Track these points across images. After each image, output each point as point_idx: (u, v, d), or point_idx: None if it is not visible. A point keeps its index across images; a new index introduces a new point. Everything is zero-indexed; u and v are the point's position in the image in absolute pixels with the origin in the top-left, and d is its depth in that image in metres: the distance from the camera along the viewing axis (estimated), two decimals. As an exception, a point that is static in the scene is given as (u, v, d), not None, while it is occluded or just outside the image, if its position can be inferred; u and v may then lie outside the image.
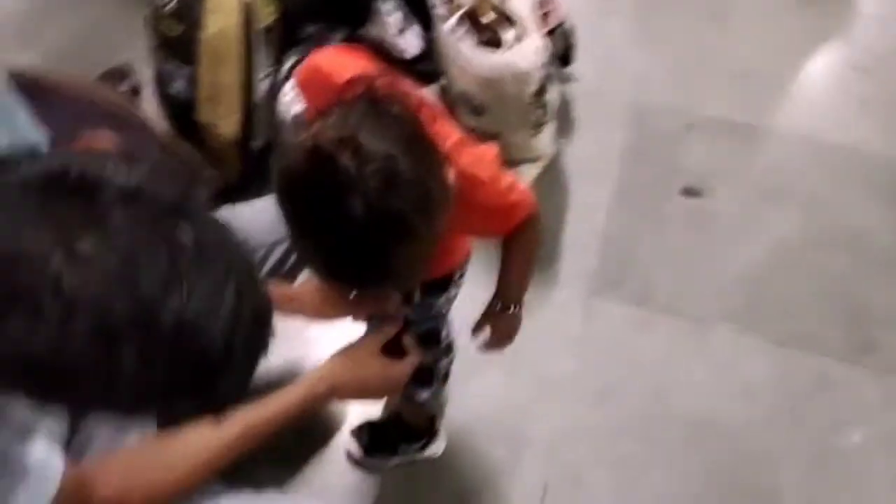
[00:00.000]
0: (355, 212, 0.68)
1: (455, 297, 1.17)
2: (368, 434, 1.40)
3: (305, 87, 0.99)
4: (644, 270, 1.69)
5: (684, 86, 2.08)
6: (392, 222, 0.70)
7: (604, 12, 2.28)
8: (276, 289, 1.11)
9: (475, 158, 0.90)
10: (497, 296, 1.07)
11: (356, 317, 1.12)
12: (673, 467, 1.41)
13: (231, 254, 0.57)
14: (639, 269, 1.69)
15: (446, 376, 1.25)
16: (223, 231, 0.58)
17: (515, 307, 1.08)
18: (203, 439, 0.94)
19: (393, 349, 1.07)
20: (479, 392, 1.50)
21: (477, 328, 1.13)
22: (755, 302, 1.64)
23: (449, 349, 1.20)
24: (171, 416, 0.64)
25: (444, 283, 1.12)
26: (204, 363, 0.56)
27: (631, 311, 1.62)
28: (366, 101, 0.75)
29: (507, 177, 0.95)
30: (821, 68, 2.18)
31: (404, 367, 1.05)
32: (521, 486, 1.38)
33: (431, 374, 1.20)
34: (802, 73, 2.16)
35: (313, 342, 1.41)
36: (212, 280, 0.54)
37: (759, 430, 1.45)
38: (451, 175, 0.80)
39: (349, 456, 1.40)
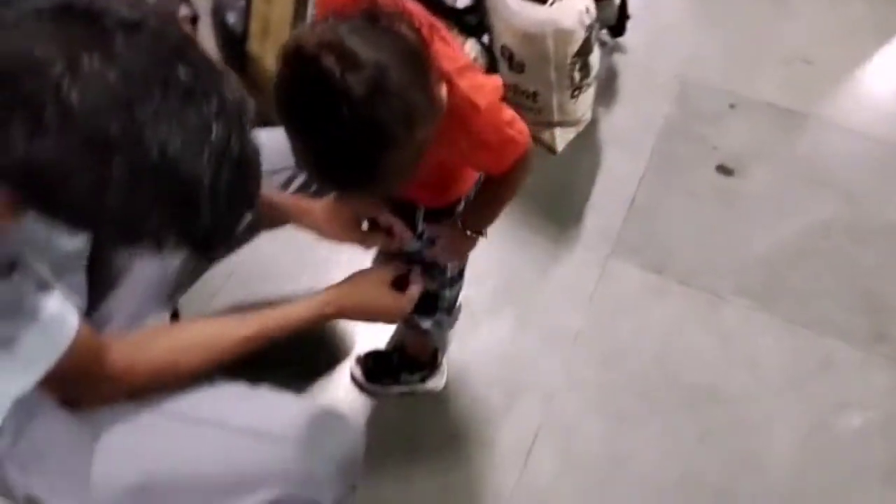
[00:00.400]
0: (339, 117, 0.71)
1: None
2: (373, 361, 1.45)
3: (320, 6, 1.00)
4: (666, 240, 1.70)
5: (734, 66, 2.06)
6: (375, 131, 0.73)
7: (662, -13, 2.28)
8: (293, 199, 1.17)
9: (476, 85, 0.91)
10: (464, 214, 1.08)
11: (365, 243, 1.16)
12: (667, 426, 1.43)
13: (224, 98, 0.61)
14: (661, 239, 1.70)
15: (451, 308, 1.28)
16: (220, 77, 0.62)
17: (474, 233, 1.09)
18: (216, 332, 1.00)
19: (399, 277, 1.13)
20: (486, 338, 1.54)
21: (431, 232, 1.14)
22: (774, 282, 1.63)
23: (454, 280, 1.23)
24: (159, 252, 0.68)
25: (450, 212, 1.14)
26: (186, 193, 0.60)
27: (647, 276, 1.63)
28: (364, 15, 0.77)
29: (507, 111, 0.96)
30: (880, 61, 2.12)
31: (408, 298, 1.11)
32: (512, 429, 1.42)
33: (435, 303, 1.23)
34: (860, 64, 2.12)
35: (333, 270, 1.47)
36: (202, 117, 0.59)
37: (758, 400, 1.46)
38: (442, 92, 0.82)
39: (353, 379, 1.46)
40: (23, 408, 0.92)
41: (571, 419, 1.43)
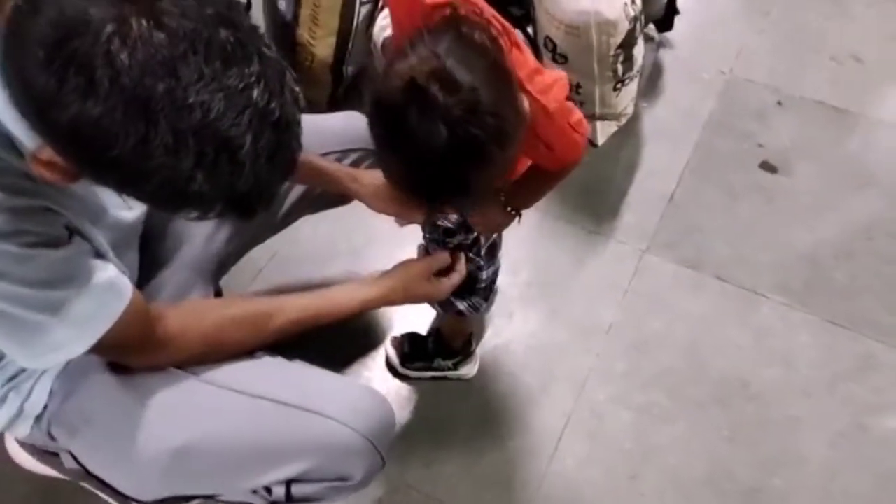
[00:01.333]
0: (439, 138, 0.77)
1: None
2: (409, 343, 1.48)
3: (394, 8, 1.04)
4: (704, 236, 1.69)
5: (782, 63, 2.04)
6: (471, 148, 0.78)
7: (713, -17, 2.26)
8: (341, 167, 1.20)
9: (544, 87, 0.93)
10: (507, 193, 1.10)
11: (407, 218, 1.19)
12: (696, 421, 1.43)
13: (266, 61, 0.64)
14: (699, 234, 1.69)
15: (487, 291, 1.29)
16: (263, 42, 0.65)
17: (514, 211, 1.12)
18: (266, 311, 1.03)
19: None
20: (519, 327, 1.55)
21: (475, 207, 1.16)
22: (814, 281, 1.62)
23: (489, 261, 1.24)
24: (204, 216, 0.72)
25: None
26: (228, 155, 0.64)
27: (682, 271, 1.63)
28: (452, 28, 0.81)
29: (575, 112, 0.99)
30: (934, 62, 2.08)
31: (450, 283, 1.16)
32: (544, 416, 1.43)
33: (473, 285, 1.26)
34: (914, 64, 2.07)
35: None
36: (243, 79, 0.62)
37: (791, 398, 1.45)
38: (525, 104, 0.86)
39: (388, 362, 1.49)
40: (72, 372, 0.98)
41: (602, 409, 1.44)
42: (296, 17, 1.78)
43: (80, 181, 0.72)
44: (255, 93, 0.63)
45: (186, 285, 1.13)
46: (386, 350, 1.49)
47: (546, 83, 0.94)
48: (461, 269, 1.17)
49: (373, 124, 0.83)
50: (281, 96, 0.65)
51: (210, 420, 0.96)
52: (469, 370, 1.48)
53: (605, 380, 1.48)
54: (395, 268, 1.15)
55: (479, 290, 1.27)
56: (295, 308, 1.04)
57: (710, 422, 1.43)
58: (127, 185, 0.67)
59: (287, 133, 0.67)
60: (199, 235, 1.16)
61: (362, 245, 1.65)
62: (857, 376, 1.48)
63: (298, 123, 0.69)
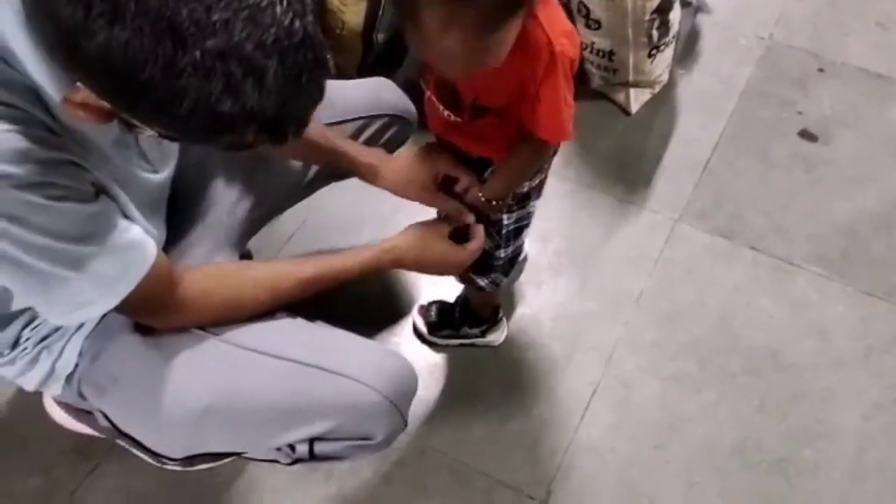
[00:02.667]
0: None
1: (526, 194, 1.17)
2: (436, 312, 1.48)
3: None
4: (738, 206, 1.66)
5: (825, 29, 1.98)
6: None
7: (754, -53, 2.19)
8: (364, 151, 1.20)
9: (565, 29, 0.92)
10: (485, 181, 1.11)
11: (434, 204, 1.18)
12: (726, 391, 1.41)
13: None
14: (733, 204, 1.66)
15: (507, 267, 1.28)
16: None
17: (497, 203, 1.12)
18: (280, 272, 1.05)
19: (459, 231, 1.16)
20: (549, 295, 1.55)
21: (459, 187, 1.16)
22: (852, 252, 1.58)
23: (509, 239, 1.22)
24: (237, 146, 0.73)
25: None
26: (255, 77, 0.64)
27: (716, 241, 1.60)
28: None
29: (570, 92, 0.96)
30: None
31: (466, 253, 1.15)
32: (571, 384, 1.43)
33: (490, 262, 1.24)
34: (963, 28, 1.99)
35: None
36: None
37: (825, 370, 1.42)
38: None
39: (415, 329, 1.49)
40: (101, 332, 1.00)
41: (631, 378, 1.43)
42: (326, -17, 1.77)
43: (114, 120, 0.73)
44: (279, 10, 0.64)
45: (212, 249, 1.14)
46: (413, 318, 1.50)
47: (564, 30, 0.92)
48: (479, 237, 1.16)
49: None
50: (304, 17, 0.66)
51: (235, 380, 0.97)
52: (497, 337, 1.48)
53: (633, 349, 1.47)
54: (410, 226, 1.15)
55: (496, 266, 1.26)
56: (311, 267, 1.05)
57: (740, 392, 1.41)
58: (159, 113, 0.67)
59: (313, 52, 0.67)
60: (224, 201, 1.17)
61: (390, 213, 1.64)
62: (893, 348, 1.44)
63: (324, 45, 0.69)
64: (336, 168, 1.22)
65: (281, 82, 0.66)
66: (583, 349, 1.47)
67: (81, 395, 1.04)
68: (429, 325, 1.48)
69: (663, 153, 1.76)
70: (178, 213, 1.11)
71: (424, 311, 1.49)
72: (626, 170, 1.73)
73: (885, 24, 1.97)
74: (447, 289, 1.53)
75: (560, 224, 1.63)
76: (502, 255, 1.24)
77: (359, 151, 1.19)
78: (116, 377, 1.00)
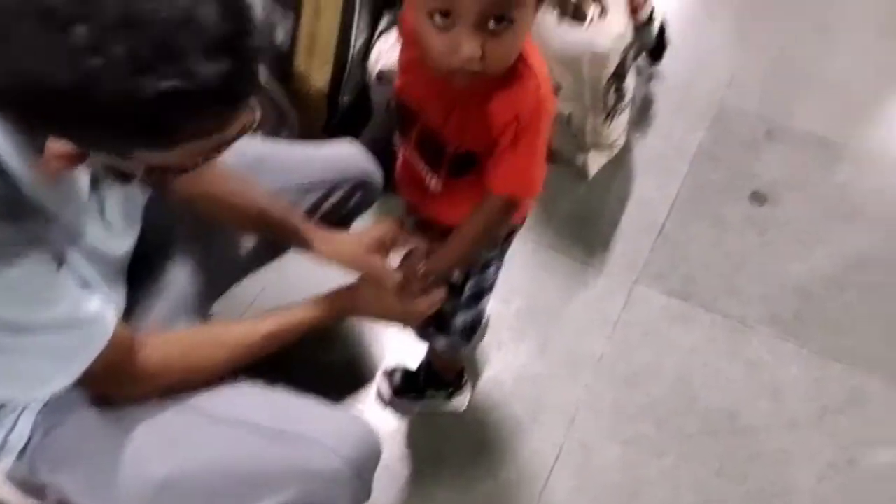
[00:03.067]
0: None
1: (486, 262, 1.17)
2: (400, 376, 1.48)
3: (407, 35, 1.01)
4: (694, 267, 1.70)
5: (773, 94, 2.06)
6: None
7: (704, 15, 2.29)
8: (319, 231, 1.20)
9: (549, 82, 0.93)
10: (428, 261, 1.09)
11: (384, 277, 1.15)
12: (686, 455, 1.43)
13: None
14: (689, 265, 1.70)
15: (467, 332, 1.26)
16: None
17: (431, 279, 1.10)
18: (243, 328, 1.05)
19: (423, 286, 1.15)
20: (511, 358, 1.56)
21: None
22: (804, 313, 1.62)
23: (469, 304, 1.22)
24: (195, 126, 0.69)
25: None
26: (167, 41, 0.62)
27: (672, 302, 1.64)
28: None
29: (543, 152, 0.96)
30: (922, 94, 2.11)
31: (421, 307, 1.13)
32: (535, 446, 1.43)
33: (448, 324, 1.24)
34: (901, 96, 2.10)
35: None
36: None
37: (781, 432, 1.45)
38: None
39: (378, 394, 1.49)
40: (55, 405, 0.97)
41: (593, 441, 1.44)
42: (293, 47, 1.80)
43: (84, 160, 0.73)
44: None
45: (172, 317, 1.13)
46: (377, 383, 1.49)
47: (549, 81, 0.93)
48: (435, 296, 1.14)
49: None
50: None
51: (193, 450, 0.95)
52: (461, 402, 1.48)
53: (594, 412, 1.48)
54: (364, 278, 1.15)
55: (455, 329, 1.25)
56: (271, 322, 1.06)
57: (699, 454, 1.43)
58: (85, 116, 0.65)
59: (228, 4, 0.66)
60: (185, 268, 1.16)
61: (352, 277, 1.65)
62: (846, 409, 1.48)
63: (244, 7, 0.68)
64: (270, 235, 1.21)
65: (202, 44, 0.64)
66: (545, 412, 1.48)
67: (33, 470, 1.01)
68: (393, 389, 1.48)
69: (620, 215, 1.80)
70: (139, 280, 1.11)
71: (389, 375, 1.49)
72: (585, 231, 1.77)
73: (828, 90, 2.07)
74: (411, 355, 1.53)
75: (521, 285, 1.65)
76: (460, 321, 1.23)
77: (308, 224, 1.19)
78: (71, 451, 0.98)
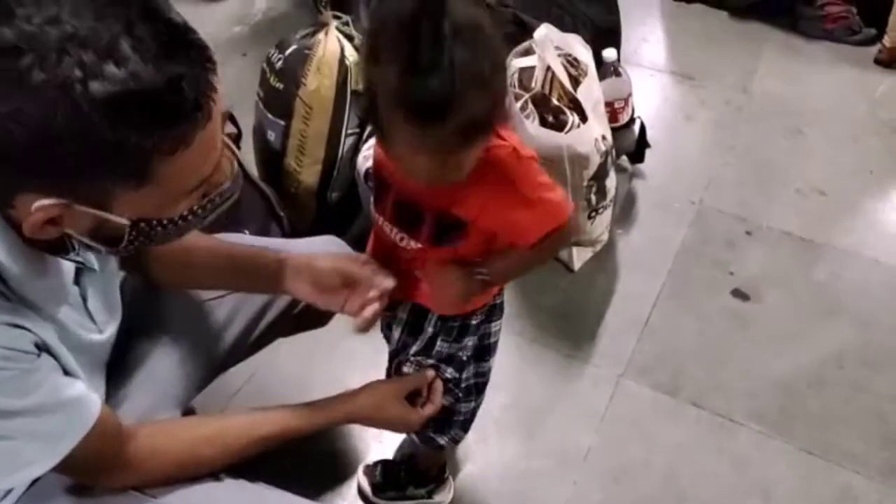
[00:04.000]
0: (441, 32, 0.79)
1: (475, 346, 1.19)
2: (381, 472, 1.46)
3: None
4: (679, 362, 1.71)
5: (750, 195, 2.12)
6: (469, 39, 0.81)
7: (684, 119, 2.39)
8: (292, 259, 1.15)
9: (519, 141, 0.99)
10: (485, 264, 1.07)
11: (330, 305, 1.14)
12: (675, 555, 1.40)
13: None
14: (674, 360, 1.71)
15: (467, 423, 1.28)
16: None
17: (487, 284, 1.09)
18: (237, 429, 1.05)
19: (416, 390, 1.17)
20: (495, 452, 1.54)
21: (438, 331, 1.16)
22: (788, 409, 1.62)
23: (470, 394, 1.23)
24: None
25: (465, 325, 1.15)
26: (100, 50, 0.66)
27: (659, 397, 1.64)
28: None
29: (546, 177, 1.00)
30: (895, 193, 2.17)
31: (419, 416, 1.16)
32: (519, 546, 1.40)
33: (451, 418, 1.24)
34: (875, 196, 2.16)
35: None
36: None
37: (770, 532, 1.43)
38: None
39: (360, 491, 1.46)
40: (31, 496, 0.95)
41: (579, 541, 1.41)
42: (283, 146, 1.86)
43: (70, 214, 0.74)
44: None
45: (154, 406, 1.12)
46: (358, 478, 1.47)
47: (519, 139, 0.98)
48: (437, 400, 1.17)
49: (381, 27, 0.85)
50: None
51: None
52: (443, 498, 1.45)
53: (581, 509, 1.46)
54: (368, 385, 1.16)
55: (456, 422, 1.26)
56: (267, 426, 1.05)
57: (689, 555, 1.40)
58: (52, 146, 0.68)
59: (159, 8, 0.70)
60: (169, 357, 1.16)
61: (342, 371, 1.65)
62: (836, 508, 1.46)
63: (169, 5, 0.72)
64: (244, 282, 1.18)
65: (136, 48, 0.67)
66: (530, 509, 1.45)
67: None
68: (373, 485, 1.45)
69: (605, 309, 1.83)
70: (120, 368, 1.11)
71: (370, 471, 1.46)
72: (570, 325, 1.79)
73: (803, 191, 2.13)
74: (392, 445, 1.51)
75: (506, 378, 1.64)
76: (463, 409, 1.24)
77: (268, 254, 1.16)
78: None
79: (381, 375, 1.55)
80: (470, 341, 1.17)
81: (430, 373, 1.17)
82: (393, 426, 1.20)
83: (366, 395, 1.14)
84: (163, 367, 1.16)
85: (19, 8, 0.65)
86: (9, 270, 0.78)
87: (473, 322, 1.16)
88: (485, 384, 1.24)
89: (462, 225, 1.00)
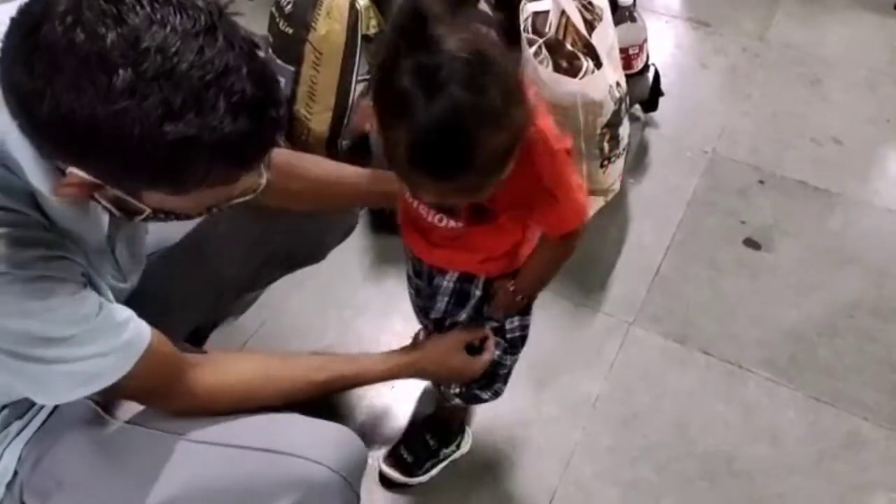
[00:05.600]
0: (442, 86, 0.75)
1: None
2: (408, 452, 1.42)
3: None
4: (689, 310, 1.71)
5: (765, 144, 2.10)
6: (476, 100, 0.77)
7: (698, 66, 2.35)
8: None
9: (555, 131, 0.94)
10: (516, 278, 1.11)
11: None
12: (684, 497, 1.41)
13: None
14: (684, 309, 1.72)
15: (508, 375, 1.30)
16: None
17: (523, 297, 1.13)
18: (295, 372, 1.07)
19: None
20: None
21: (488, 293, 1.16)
22: (798, 357, 1.63)
23: (515, 346, 1.25)
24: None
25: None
26: (189, 94, 0.68)
27: (668, 345, 1.64)
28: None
29: (577, 177, 0.98)
30: (911, 144, 2.15)
31: (479, 364, 1.18)
32: (529, 489, 1.42)
33: (496, 373, 1.26)
34: (893, 146, 2.14)
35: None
36: (196, 23, 0.69)
37: (778, 475, 1.44)
38: (532, 93, 0.85)
39: (390, 482, 1.41)
40: (42, 436, 0.98)
41: (589, 485, 1.43)
42: (293, 93, 1.84)
43: (98, 191, 0.77)
44: (220, 36, 0.69)
45: None
46: (384, 472, 1.41)
47: (556, 130, 0.94)
48: (491, 348, 1.19)
49: (376, 93, 0.82)
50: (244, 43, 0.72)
51: (183, 477, 0.95)
52: (467, 447, 1.46)
53: (591, 455, 1.47)
54: (429, 338, 1.19)
55: (500, 376, 1.27)
56: (324, 372, 1.08)
57: (697, 498, 1.42)
58: (116, 154, 0.70)
59: (258, 69, 0.71)
60: (176, 302, 1.17)
61: (351, 316, 1.66)
62: (843, 453, 1.47)
63: (269, 66, 0.74)
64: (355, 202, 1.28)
65: (222, 102, 0.69)
66: (541, 455, 1.47)
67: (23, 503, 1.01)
68: (406, 468, 1.41)
69: (616, 259, 1.82)
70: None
71: (394, 458, 1.41)
72: (582, 275, 1.78)
73: (819, 140, 2.11)
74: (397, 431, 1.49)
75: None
76: (508, 361, 1.25)
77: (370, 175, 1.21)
78: (61, 481, 0.97)
79: (394, 324, 1.58)
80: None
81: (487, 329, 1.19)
82: (457, 375, 1.21)
83: (432, 345, 1.17)
84: (171, 311, 1.17)
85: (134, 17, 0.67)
86: (53, 209, 0.80)
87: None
88: (525, 338, 1.25)
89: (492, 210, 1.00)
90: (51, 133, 0.70)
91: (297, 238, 1.28)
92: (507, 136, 0.81)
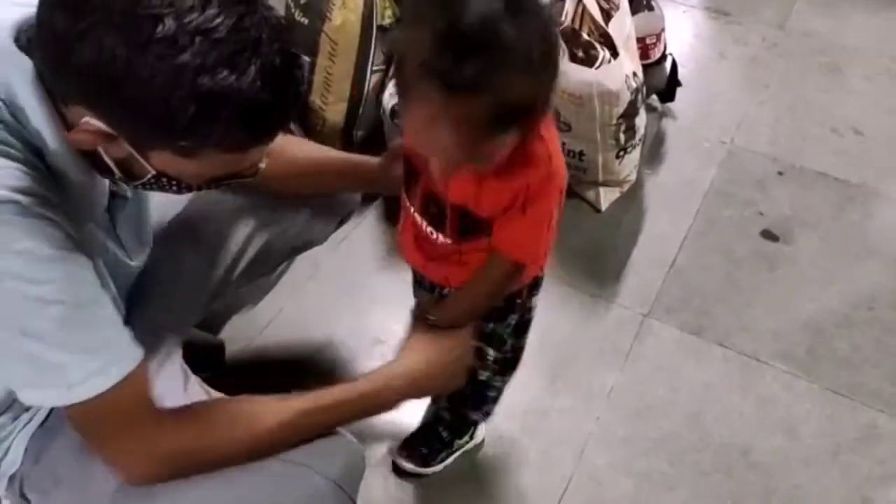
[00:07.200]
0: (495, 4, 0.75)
1: (516, 323, 1.20)
2: (422, 444, 1.41)
3: None
4: (706, 302, 1.70)
5: (784, 135, 2.08)
6: (522, 27, 0.76)
7: (716, 55, 2.33)
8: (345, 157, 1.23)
9: (563, 164, 0.94)
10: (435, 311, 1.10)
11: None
12: (698, 491, 1.41)
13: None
14: (701, 300, 1.70)
15: (498, 398, 1.31)
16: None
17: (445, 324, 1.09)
18: (282, 410, 0.97)
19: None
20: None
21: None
22: (815, 349, 1.62)
23: (505, 368, 1.25)
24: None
25: (508, 304, 1.14)
26: (226, 51, 0.72)
27: (684, 337, 1.64)
28: None
29: (554, 212, 0.95)
30: (933, 135, 2.11)
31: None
32: (543, 479, 1.42)
33: (485, 395, 1.27)
34: (912, 137, 2.11)
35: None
36: None
37: (794, 468, 1.43)
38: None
39: (405, 473, 1.41)
40: (44, 431, 0.98)
41: (602, 475, 1.43)
42: (309, 83, 1.84)
43: (109, 141, 0.78)
44: (259, 9, 0.74)
45: (159, 330, 1.11)
46: (398, 464, 1.41)
47: (560, 153, 0.94)
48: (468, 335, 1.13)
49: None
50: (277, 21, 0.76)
51: (180, 481, 0.91)
52: (481, 436, 1.46)
53: (605, 445, 1.47)
54: (409, 345, 1.10)
55: (490, 398, 1.27)
56: (295, 402, 0.99)
57: (712, 490, 1.41)
58: (144, 102, 0.72)
59: (287, 48, 0.76)
60: (183, 284, 1.17)
61: (367, 304, 1.67)
62: (859, 447, 1.46)
63: (296, 49, 0.79)
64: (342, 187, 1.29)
65: (253, 68, 0.72)
66: (554, 445, 1.47)
67: (24, 498, 1.01)
68: (422, 459, 1.40)
69: (632, 250, 1.81)
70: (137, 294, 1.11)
71: (408, 450, 1.41)
72: (597, 265, 1.78)
73: (839, 130, 2.08)
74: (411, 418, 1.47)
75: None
76: (498, 383, 1.28)
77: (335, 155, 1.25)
78: (59, 478, 0.97)
79: (405, 310, 1.57)
80: (513, 319, 1.18)
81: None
82: (445, 373, 1.11)
83: (409, 346, 1.10)
84: (177, 294, 1.17)
85: None
86: (57, 165, 0.81)
87: (518, 301, 1.16)
88: (518, 360, 1.25)
89: (483, 221, 0.97)
90: (83, 77, 0.72)
91: (295, 222, 1.28)
92: (531, 89, 0.79)
